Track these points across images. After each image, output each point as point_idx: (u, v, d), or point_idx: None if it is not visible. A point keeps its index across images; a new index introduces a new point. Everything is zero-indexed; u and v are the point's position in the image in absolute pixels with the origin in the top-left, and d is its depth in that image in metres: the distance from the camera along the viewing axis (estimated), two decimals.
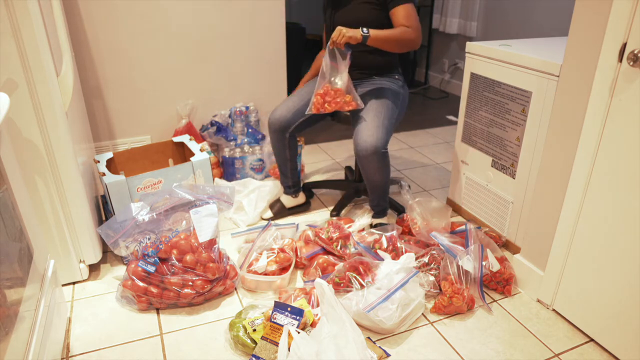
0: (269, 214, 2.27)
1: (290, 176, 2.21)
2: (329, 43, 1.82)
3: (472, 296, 1.68)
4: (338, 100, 1.88)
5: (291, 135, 2.09)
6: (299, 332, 1.36)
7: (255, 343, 1.43)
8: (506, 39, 2.54)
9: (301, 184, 2.30)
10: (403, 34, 1.85)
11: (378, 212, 2.11)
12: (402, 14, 1.86)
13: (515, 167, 1.90)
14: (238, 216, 2.24)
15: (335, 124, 2.19)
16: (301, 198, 2.30)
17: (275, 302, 1.46)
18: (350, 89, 1.90)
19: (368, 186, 2.02)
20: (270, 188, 2.33)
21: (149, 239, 1.67)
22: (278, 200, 2.29)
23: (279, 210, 2.26)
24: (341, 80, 1.87)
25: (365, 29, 1.80)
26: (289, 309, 1.43)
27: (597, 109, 1.37)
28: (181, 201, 1.72)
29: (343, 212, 2.30)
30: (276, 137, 2.09)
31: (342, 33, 1.77)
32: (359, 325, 1.48)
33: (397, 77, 2.10)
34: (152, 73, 2.50)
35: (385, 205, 2.11)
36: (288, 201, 2.28)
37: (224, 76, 2.66)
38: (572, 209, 1.51)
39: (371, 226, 2.09)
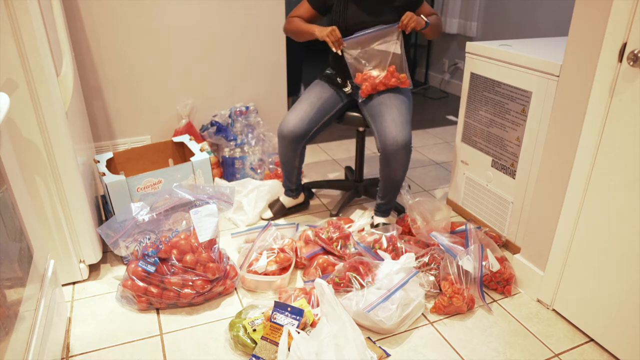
0: (268, 213, 2.26)
1: (295, 181, 2.20)
2: (399, 25, 1.89)
3: (472, 296, 1.68)
4: (393, 81, 1.97)
5: (303, 146, 2.06)
6: (299, 332, 1.36)
7: (255, 343, 1.43)
8: (506, 39, 2.54)
9: (302, 187, 2.29)
10: (441, 21, 2.08)
11: (384, 212, 2.09)
12: (427, 7, 2.06)
13: (515, 167, 1.90)
14: (237, 216, 2.24)
15: (335, 124, 2.18)
16: (300, 198, 2.30)
17: (275, 302, 1.46)
18: (405, 67, 2.00)
19: (385, 184, 1.99)
20: (269, 188, 2.33)
21: (149, 239, 1.67)
22: (277, 200, 2.28)
23: (279, 210, 2.26)
24: (398, 49, 1.96)
25: (426, 18, 1.93)
26: (289, 309, 1.43)
27: (597, 109, 1.37)
28: (181, 201, 1.72)
29: (343, 212, 2.30)
30: (290, 147, 2.02)
31: (413, 19, 1.87)
32: (359, 325, 1.48)
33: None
34: (152, 73, 2.50)
35: (393, 204, 2.11)
36: (288, 202, 2.27)
37: (224, 76, 2.66)
38: (572, 209, 1.51)
39: (372, 226, 2.09)
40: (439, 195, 2.54)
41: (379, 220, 2.10)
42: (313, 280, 1.69)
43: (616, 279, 1.42)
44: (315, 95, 2.06)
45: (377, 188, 2.08)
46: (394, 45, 1.93)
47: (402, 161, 1.89)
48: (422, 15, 1.91)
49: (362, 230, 2.00)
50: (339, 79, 2.10)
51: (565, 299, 1.62)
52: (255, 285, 1.76)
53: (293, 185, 2.22)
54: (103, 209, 2.08)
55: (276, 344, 1.37)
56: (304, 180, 2.62)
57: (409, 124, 1.92)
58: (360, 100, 2.04)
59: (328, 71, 2.16)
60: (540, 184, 1.64)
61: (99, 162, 1.96)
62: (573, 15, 1.41)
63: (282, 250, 1.82)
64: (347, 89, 2.10)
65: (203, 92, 2.64)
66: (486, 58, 1.95)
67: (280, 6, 2.62)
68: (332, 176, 2.77)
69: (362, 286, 1.61)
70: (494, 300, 1.74)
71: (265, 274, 1.76)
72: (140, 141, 2.61)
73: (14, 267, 1.11)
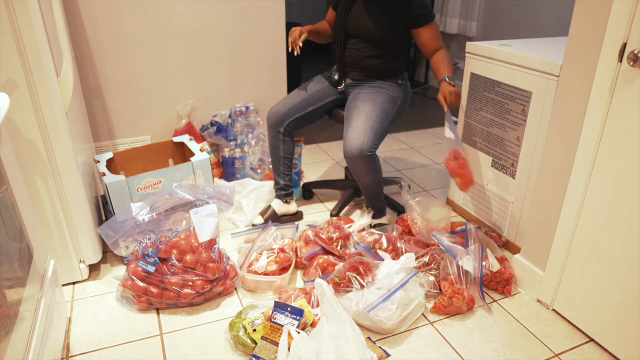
0: (259, 219, 2.19)
1: (282, 175, 2.17)
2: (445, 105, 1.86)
3: (472, 296, 1.68)
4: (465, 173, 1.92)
5: (286, 131, 2.08)
6: (299, 332, 1.36)
7: (255, 343, 1.43)
8: (506, 39, 2.54)
9: (293, 191, 2.23)
10: (449, 57, 1.95)
11: (377, 212, 2.11)
12: (431, 34, 1.93)
13: (515, 167, 1.90)
14: (237, 216, 2.24)
15: (335, 123, 2.18)
16: (293, 206, 2.24)
17: (275, 302, 1.46)
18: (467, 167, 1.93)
19: (361, 188, 2.03)
20: (269, 188, 2.33)
21: (149, 239, 1.67)
22: (269, 207, 2.22)
23: (270, 217, 2.18)
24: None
25: (447, 77, 1.88)
26: (289, 309, 1.43)
27: (597, 109, 1.37)
28: (181, 201, 1.72)
29: (343, 212, 2.30)
30: (272, 132, 2.10)
31: (454, 94, 1.83)
32: (359, 325, 1.48)
33: (400, 81, 2.08)
34: (152, 73, 2.50)
35: (381, 205, 2.11)
36: (279, 206, 2.21)
37: (224, 76, 2.66)
38: (572, 209, 1.51)
39: (370, 226, 2.09)
40: (439, 195, 2.54)
41: (374, 221, 2.11)
42: (313, 280, 1.69)
43: (616, 278, 1.42)
44: (305, 87, 2.13)
45: None
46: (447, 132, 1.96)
47: (362, 167, 1.88)
48: (445, 78, 1.87)
49: (362, 230, 2.00)
50: (335, 77, 2.11)
51: (565, 299, 1.62)
52: (255, 285, 1.76)
53: (281, 180, 2.17)
54: (103, 209, 2.08)
55: (276, 344, 1.37)
56: (304, 180, 2.62)
57: (375, 131, 1.87)
58: (348, 98, 2.06)
59: (334, 67, 2.16)
60: (540, 184, 1.64)
61: (99, 162, 1.96)
62: (573, 15, 1.41)
63: (282, 250, 1.82)
64: (340, 87, 2.11)
65: (203, 92, 2.64)
66: (486, 58, 1.95)
67: (280, 6, 2.62)
68: (332, 176, 2.77)
69: (362, 286, 1.61)
70: (494, 300, 1.74)
71: (265, 274, 1.76)
72: (140, 141, 2.61)
73: (14, 267, 1.11)
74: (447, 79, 1.88)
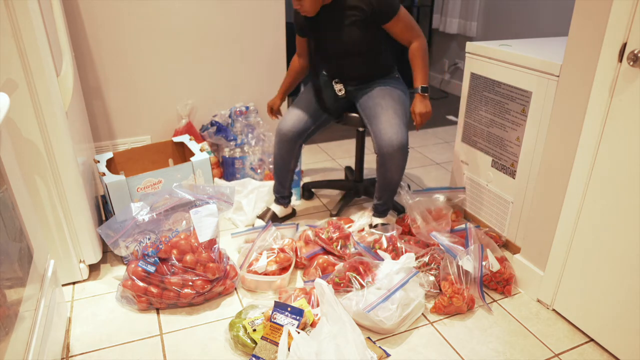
0: (260, 222, 2.18)
1: (288, 187, 2.17)
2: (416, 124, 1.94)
3: (472, 296, 1.68)
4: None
5: (300, 145, 2.07)
6: (299, 332, 1.36)
7: (255, 343, 1.44)
8: (506, 39, 2.54)
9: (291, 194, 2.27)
10: (425, 52, 1.93)
11: (381, 212, 2.09)
12: (401, 26, 1.89)
13: (515, 167, 1.90)
14: (237, 216, 2.24)
15: (334, 124, 2.18)
16: (290, 208, 2.27)
17: (275, 302, 1.46)
18: None
19: (382, 185, 1.99)
20: (269, 188, 2.33)
21: (149, 239, 1.67)
22: (268, 210, 2.21)
23: (271, 220, 2.17)
24: None
25: (421, 88, 1.90)
26: (289, 309, 1.43)
27: (597, 109, 1.37)
28: (181, 201, 1.72)
29: (343, 212, 2.30)
30: (286, 147, 2.04)
31: (427, 116, 1.93)
32: (359, 325, 1.48)
33: (397, 75, 2.10)
34: (152, 73, 2.50)
35: (390, 205, 2.11)
36: (280, 211, 2.22)
37: (224, 76, 2.66)
38: (572, 209, 1.51)
39: (371, 226, 2.08)
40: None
41: (376, 220, 2.10)
42: (313, 280, 1.69)
43: (616, 278, 1.42)
44: (312, 98, 2.09)
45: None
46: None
47: (398, 162, 1.88)
48: (419, 88, 1.89)
49: (362, 230, 2.00)
50: (337, 89, 2.08)
51: (565, 299, 1.62)
52: (255, 285, 1.76)
53: (286, 192, 2.18)
54: (103, 209, 2.08)
55: (276, 344, 1.37)
56: (304, 180, 2.62)
57: (405, 125, 1.90)
58: (357, 101, 2.04)
59: (324, 72, 2.14)
60: (540, 184, 1.64)
61: (99, 162, 1.96)
62: (573, 15, 1.41)
63: (282, 250, 1.82)
64: (342, 94, 2.08)
65: (203, 92, 2.64)
66: (486, 58, 1.95)
67: (280, 6, 2.62)
68: (332, 176, 2.77)
69: (362, 286, 1.61)
70: (494, 300, 1.74)
71: (265, 274, 1.76)
72: (140, 141, 2.61)
73: (14, 267, 1.11)
74: (420, 90, 1.86)
